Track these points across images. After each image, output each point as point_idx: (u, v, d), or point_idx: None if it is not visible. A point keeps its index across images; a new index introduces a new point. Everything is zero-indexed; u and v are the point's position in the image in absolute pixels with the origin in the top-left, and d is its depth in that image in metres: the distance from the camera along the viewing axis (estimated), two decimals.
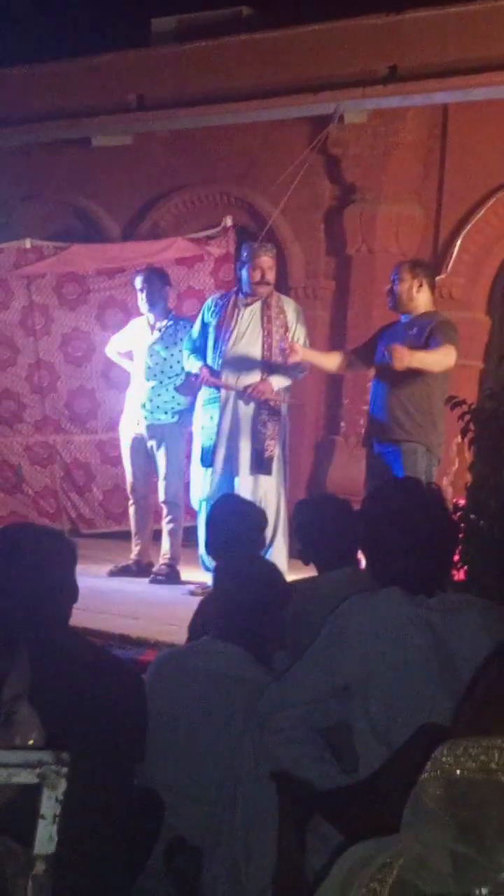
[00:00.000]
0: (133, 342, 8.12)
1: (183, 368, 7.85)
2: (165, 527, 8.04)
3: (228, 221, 9.42)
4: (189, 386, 7.70)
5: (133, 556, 8.19)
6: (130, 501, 8.27)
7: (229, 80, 10.23)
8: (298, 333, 7.40)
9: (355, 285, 9.75)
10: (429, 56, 9.30)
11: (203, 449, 7.44)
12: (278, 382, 7.32)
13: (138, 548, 8.19)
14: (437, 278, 7.82)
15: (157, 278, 8.10)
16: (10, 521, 8.80)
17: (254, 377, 7.28)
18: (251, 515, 5.01)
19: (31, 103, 11.14)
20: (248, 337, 7.33)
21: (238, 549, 4.44)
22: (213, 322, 7.44)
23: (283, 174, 9.47)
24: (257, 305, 7.35)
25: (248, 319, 7.34)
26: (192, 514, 7.91)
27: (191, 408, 7.97)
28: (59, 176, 11.22)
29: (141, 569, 8.08)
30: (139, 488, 8.18)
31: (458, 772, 1.30)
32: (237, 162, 10.35)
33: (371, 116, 9.54)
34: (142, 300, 8.02)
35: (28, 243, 9.44)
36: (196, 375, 7.45)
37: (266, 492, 7.26)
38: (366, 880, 1.33)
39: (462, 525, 4.44)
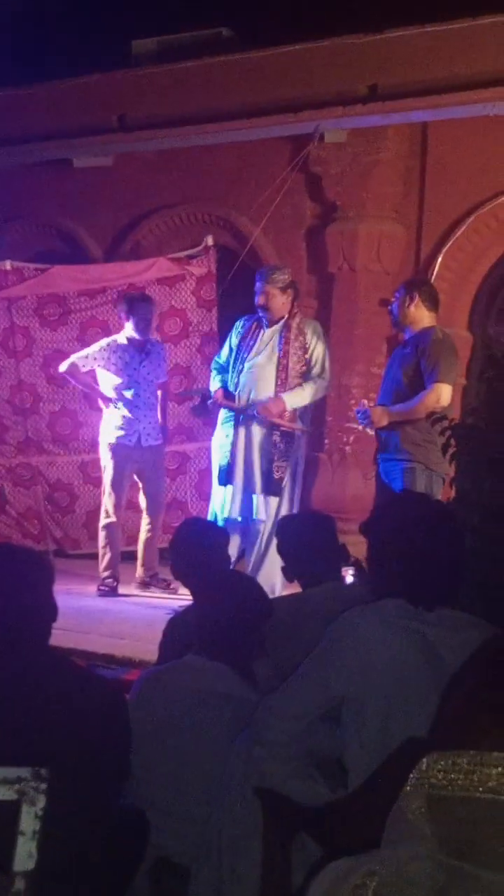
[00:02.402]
0: (109, 364, 8.12)
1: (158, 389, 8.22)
2: (144, 537, 8.29)
3: (210, 241, 9.44)
4: (204, 408, 7.82)
5: (108, 576, 8.22)
6: (112, 520, 8.24)
7: (210, 101, 10.25)
8: (317, 352, 7.47)
9: (337, 303, 9.76)
10: (408, 75, 9.33)
11: (220, 467, 7.55)
12: (292, 401, 7.35)
13: (112, 569, 8.23)
14: None
15: (154, 305, 8.33)
16: None
17: (264, 393, 7.34)
18: (213, 537, 5.02)
19: (11, 125, 11.14)
20: (264, 357, 7.45)
21: (202, 571, 4.45)
22: (236, 343, 7.55)
23: (265, 193, 9.51)
24: (277, 327, 7.44)
25: (268, 340, 7.46)
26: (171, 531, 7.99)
27: (177, 429, 8.15)
28: (41, 197, 11.23)
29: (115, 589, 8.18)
30: (121, 507, 8.25)
31: (442, 787, 1.29)
32: (218, 181, 10.37)
33: (351, 135, 9.57)
34: (136, 327, 8.07)
35: (9, 265, 9.43)
36: (211, 397, 7.61)
37: (280, 511, 7.31)
38: None
39: None
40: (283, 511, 7.34)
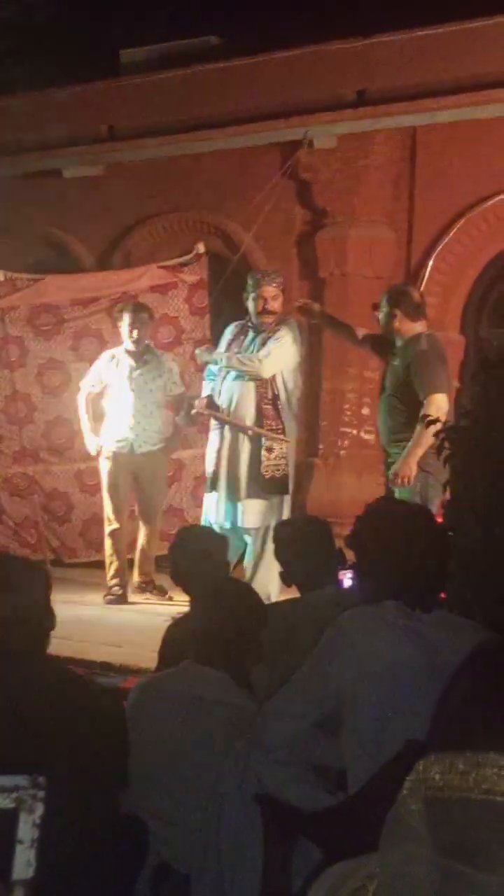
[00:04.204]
0: (109, 376, 8.13)
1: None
2: (141, 544, 8.29)
3: (201, 248, 9.45)
4: (190, 416, 7.83)
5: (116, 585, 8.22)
6: (115, 527, 8.24)
7: (199, 109, 10.27)
8: (271, 346, 7.32)
9: (329, 308, 9.68)
10: (396, 80, 9.37)
11: (208, 474, 7.57)
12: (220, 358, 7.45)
13: (120, 577, 8.22)
14: None
15: (147, 314, 8.22)
16: None
17: (246, 401, 7.30)
18: (211, 544, 5.03)
19: (1, 136, 11.16)
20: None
21: (200, 577, 4.45)
22: (223, 351, 7.55)
23: (255, 200, 9.52)
24: (263, 333, 7.39)
25: (248, 347, 7.40)
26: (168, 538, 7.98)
27: (177, 434, 8.29)
28: (32, 208, 11.22)
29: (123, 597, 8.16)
30: (123, 513, 8.24)
31: (439, 788, 1.29)
32: (209, 189, 10.39)
33: (341, 141, 9.59)
34: (130, 335, 8.04)
35: (1, 276, 9.41)
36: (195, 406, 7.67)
37: (267, 515, 7.26)
38: None
39: None
40: (281, 514, 7.31)
